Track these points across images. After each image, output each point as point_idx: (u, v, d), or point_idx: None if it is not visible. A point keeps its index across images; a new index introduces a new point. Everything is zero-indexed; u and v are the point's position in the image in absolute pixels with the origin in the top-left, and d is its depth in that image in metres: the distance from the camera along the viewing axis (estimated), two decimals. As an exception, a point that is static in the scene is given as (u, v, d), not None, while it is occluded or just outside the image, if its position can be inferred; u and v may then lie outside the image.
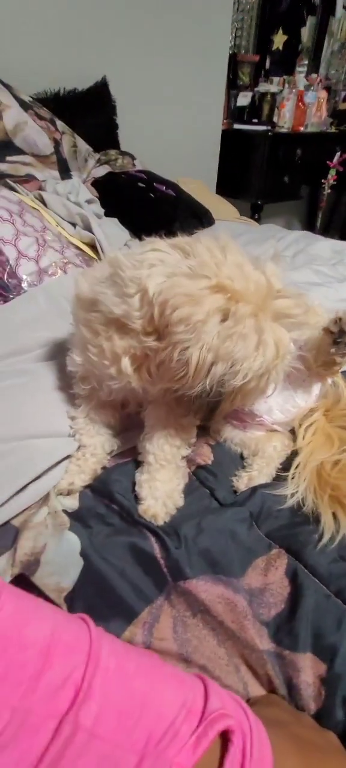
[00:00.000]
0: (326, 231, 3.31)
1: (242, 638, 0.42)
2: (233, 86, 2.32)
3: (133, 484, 0.56)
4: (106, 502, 0.55)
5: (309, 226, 3.22)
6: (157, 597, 0.45)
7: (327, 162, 2.55)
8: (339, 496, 0.50)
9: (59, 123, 1.40)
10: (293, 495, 0.53)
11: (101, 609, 0.44)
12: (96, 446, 0.60)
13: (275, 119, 2.29)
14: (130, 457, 0.61)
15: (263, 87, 2.30)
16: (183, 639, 0.42)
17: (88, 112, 1.62)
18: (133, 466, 0.59)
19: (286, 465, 0.60)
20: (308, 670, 0.39)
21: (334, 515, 0.50)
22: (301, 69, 2.38)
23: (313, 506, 0.52)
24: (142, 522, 0.51)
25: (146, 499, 0.52)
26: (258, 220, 2.27)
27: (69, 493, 0.54)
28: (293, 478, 0.55)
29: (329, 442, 0.56)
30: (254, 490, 0.55)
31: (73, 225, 1.11)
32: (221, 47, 2.07)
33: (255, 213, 2.44)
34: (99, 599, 0.44)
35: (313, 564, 0.47)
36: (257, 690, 0.41)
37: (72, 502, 0.55)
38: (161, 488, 0.52)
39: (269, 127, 2.19)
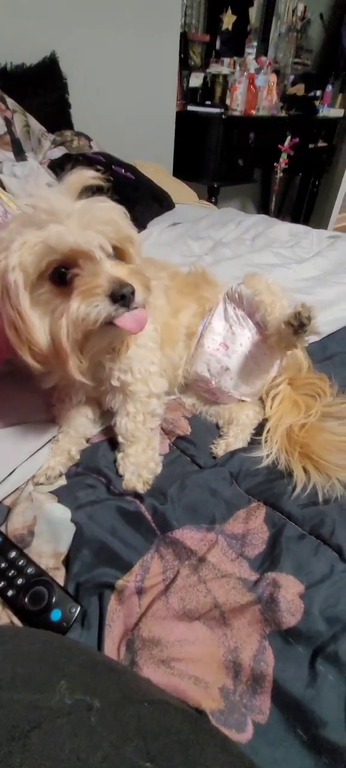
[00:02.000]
0: (279, 214, 3.50)
1: (221, 569, 0.49)
2: (184, 66, 2.36)
3: (117, 459, 0.62)
4: (94, 475, 0.60)
5: (263, 209, 3.38)
6: (148, 550, 0.51)
7: (279, 146, 2.69)
8: (308, 453, 0.59)
9: (10, 101, 1.37)
10: (268, 456, 0.61)
11: (96, 565, 0.49)
12: (69, 428, 0.64)
13: (227, 102, 2.36)
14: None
15: (214, 68, 2.36)
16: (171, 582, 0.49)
17: (37, 90, 1.59)
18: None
19: (259, 431, 0.68)
20: (288, 588, 0.47)
21: (304, 469, 0.59)
22: (250, 50, 2.47)
23: (286, 463, 0.60)
24: (127, 492, 0.57)
25: (124, 474, 0.59)
26: (215, 203, 2.35)
27: (48, 479, 0.58)
28: (266, 441, 0.63)
29: (297, 408, 0.65)
30: (232, 453, 0.63)
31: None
32: (173, 24, 2.10)
33: (212, 196, 2.52)
34: (94, 557, 0.50)
35: (289, 510, 0.55)
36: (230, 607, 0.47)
37: (60, 482, 0.59)
38: (135, 461, 0.59)
39: (223, 110, 2.26)
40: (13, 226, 0.47)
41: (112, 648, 0.45)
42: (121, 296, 0.46)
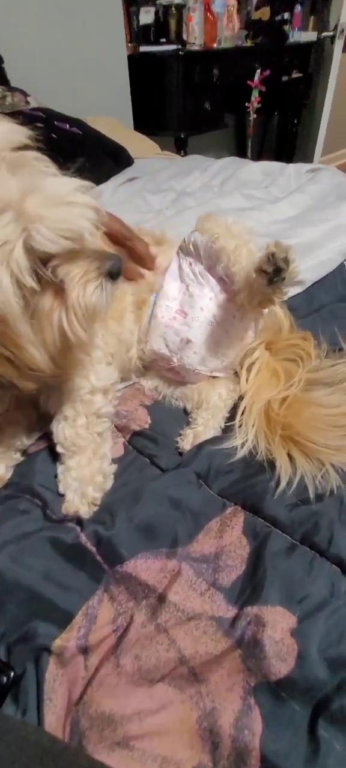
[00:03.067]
0: (259, 159, 3.31)
1: (187, 609, 0.38)
2: (131, 2, 2.12)
3: (59, 472, 0.50)
4: (28, 497, 0.49)
5: (240, 156, 3.18)
6: (94, 591, 0.40)
7: (248, 82, 2.49)
8: (291, 435, 0.48)
9: None
10: (243, 445, 0.49)
11: (26, 621, 0.39)
12: None
13: (184, 36, 2.14)
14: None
15: (165, -1, 2.13)
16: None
17: None
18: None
19: (234, 413, 0.56)
20: (276, 625, 0.37)
21: (289, 456, 0.47)
22: (205, -27, 2.23)
23: (266, 452, 0.49)
24: (68, 517, 0.45)
25: (65, 493, 0.47)
26: (184, 156, 2.17)
27: None
28: (240, 426, 0.51)
29: (275, 378, 0.53)
30: (199, 447, 0.51)
31: None
32: None
33: (180, 149, 2.33)
34: (23, 611, 0.39)
35: (273, 514, 0.45)
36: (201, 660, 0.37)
37: None
38: (78, 476, 0.47)
39: (179, 46, 2.04)
40: None
41: (56, 725, 0.35)
42: (118, 272, 0.43)
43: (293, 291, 0.76)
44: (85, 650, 0.38)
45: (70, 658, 0.37)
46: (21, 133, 0.40)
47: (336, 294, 0.78)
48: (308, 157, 3.30)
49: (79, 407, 0.49)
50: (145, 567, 0.41)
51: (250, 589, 0.40)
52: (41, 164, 0.39)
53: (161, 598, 0.39)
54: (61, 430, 0.49)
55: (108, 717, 0.35)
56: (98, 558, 0.42)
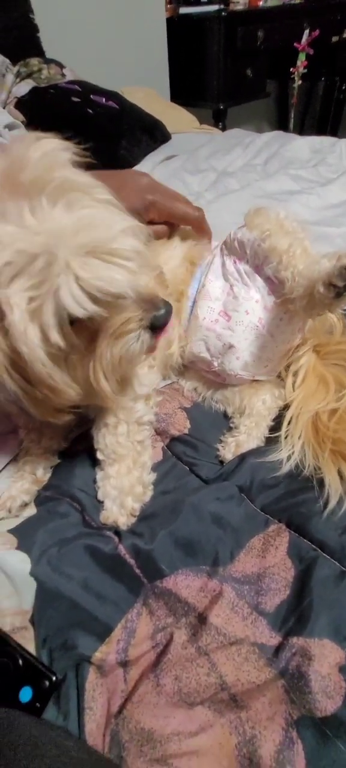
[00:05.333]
0: (301, 130, 3.13)
1: (229, 633, 0.38)
2: None
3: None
4: (67, 500, 0.49)
5: (281, 127, 3.03)
6: (133, 604, 0.40)
7: (295, 44, 2.34)
8: (343, 450, 0.45)
9: None
10: (288, 458, 0.48)
11: (67, 629, 0.39)
12: (34, 443, 0.53)
13: (227, -6, 2.03)
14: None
15: None
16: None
17: (-5, 13, 1.38)
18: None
19: (278, 421, 0.54)
20: (324, 659, 0.36)
21: (340, 474, 0.45)
22: None
23: (314, 467, 0.47)
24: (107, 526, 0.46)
25: (104, 502, 0.47)
26: (223, 129, 2.08)
27: (9, 512, 0.48)
28: (286, 437, 0.49)
29: (324, 387, 0.51)
30: (241, 459, 0.50)
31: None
32: None
33: (218, 121, 2.24)
34: (63, 620, 0.40)
35: (321, 538, 0.43)
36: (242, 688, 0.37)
37: (28, 512, 0.49)
38: (117, 485, 0.47)
39: (222, 6, 1.94)
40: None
41: (96, 734, 0.36)
42: (163, 324, 0.41)
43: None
44: (124, 664, 0.38)
45: (109, 670, 0.38)
46: (69, 150, 0.38)
47: None
48: (354, 130, 3.09)
49: (120, 414, 0.49)
50: (186, 584, 0.41)
51: (295, 617, 0.39)
52: (93, 190, 0.37)
53: (202, 619, 0.39)
54: (101, 437, 0.49)
55: (148, 734, 0.35)
56: (137, 571, 0.42)
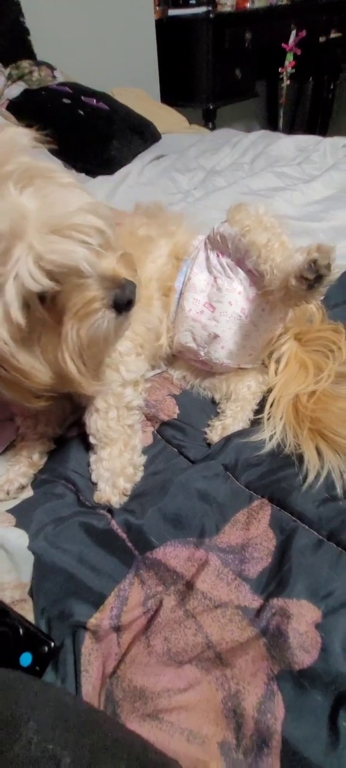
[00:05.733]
0: (291, 130, 3.17)
1: (214, 597, 0.41)
2: None
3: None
4: (63, 482, 0.52)
5: (271, 127, 3.06)
6: (125, 575, 0.43)
7: (282, 45, 2.37)
8: (320, 429, 0.48)
9: None
10: (271, 438, 0.51)
11: (63, 599, 0.42)
12: (30, 430, 0.55)
13: (215, -4, 2.06)
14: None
15: None
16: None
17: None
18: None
19: (262, 405, 0.57)
20: (301, 617, 0.39)
21: (317, 450, 0.48)
22: None
23: (294, 445, 0.50)
24: (100, 505, 0.49)
25: (98, 483, 0.50)
26: (213, 129, 2.11)
27: (7, 494, 0.51)
28: (269, 418, 0.52)
29: (304, 371, 0.54)
30: (227, 440, 0.53)
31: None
32: None
33: (208, 121, 2.27)
34: (59, 591, 0.43)
35: (300, 510, 0.46)
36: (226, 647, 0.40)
37: (25, 494, 0.52)
38: (110, 467, 0.50)
39: (210, 8, 1.97)
40: None
41: (92, 694, 0.39)
42: (128, 302, 0.41)
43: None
44: (117, 629, 0.41)
45: (103, 635, 0.41)
46: (28, 137, 0.39)
47: (372, 281, 0.76)
48: (344, 126, 3.13)
49: (110, 400, 0.51)
50: (174, 555, 0.43)
51: (276, 581, 0.41)
52: (54, 174, 0.38)
53: (189, 586, 0.41)
54: (93, 422, 0.52)
55: (140, 691, 0.38)
56: (129, 544, 0.45)
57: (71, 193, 0.38)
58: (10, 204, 0.35)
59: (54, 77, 1.44)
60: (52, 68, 1.46)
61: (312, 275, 0.45)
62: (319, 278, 0.46)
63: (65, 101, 1.31)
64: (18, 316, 0.35)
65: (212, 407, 0.62)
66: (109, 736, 0.32)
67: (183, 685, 0.38)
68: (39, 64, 1.44)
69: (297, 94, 3.18)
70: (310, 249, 0.45)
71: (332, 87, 3.08)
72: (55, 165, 0.41)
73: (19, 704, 0.30)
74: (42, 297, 0.37)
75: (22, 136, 0.40)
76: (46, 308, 0.38)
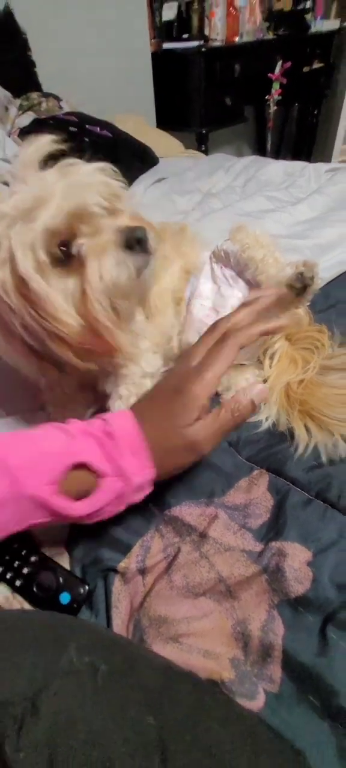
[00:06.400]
0: (278, 152, 3.33)
1: (223, 543, 0.49)
2: (154, -2, 2.20)
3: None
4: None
5: (260, 149, 3.23)
6: (148, 530, 0.51)
7: (269, 75, 2.54)
8: (307, 410, 0.58)
9: (-32, 69, 1.30)
10: (267, 419, 0.60)
11: (96, 549, 0.50)
12: (59, 416, 0.63)
13: (206, 32, 2.21)
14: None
15: (188, -6, 2.20)
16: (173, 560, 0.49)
17: (-4, 51, 1.51)
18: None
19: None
20: (295, 557, 0.47)
21: (306, 428, 0.58)
22: (227, -33, 2.28)
23: (287, 424, 0.59)
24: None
25: None
26: (205, 152, 2.25)
27: None
28: (266, 403, 0.61)
29: (293, 364, 0.63)
30: (231, 421, 0.62)
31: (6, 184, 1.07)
32: None
33: (201, 144, 2.41)
34: (93, 542, 0.51)
35: (293, 476, 0.55)
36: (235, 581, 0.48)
37: None
38: None
39: (202, 42, 2.12)
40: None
41: (121, 627, 0.46)
42: (137, 240, 0.44)
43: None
44: (142, 571, 0.49)
45: (131, 577, 0.48)
46: (47, 141, 0.49)
47: (352, 290, 0.87)
48: (327, 149, 3.31)
49: (131, 388, 0.60)
50: (189, 512, 0.52)
51: (273, 531, 0.50)
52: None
53: (202, 535, 0.50)
54: (117, 407, 0.60)
55: (163, 618, 0.45)
56: (150, 505, 0.53)
57: (88, 167, 0.47)
58: (38, 178, 0.45)
59: (61, 107, 1.55)
60: (58, 99, 1.57)
61: (299, 284, 0.56)
62: (305, 287, 0.56)
63: (72, 129, 1.42)
64: (41, 255, 0.42)
65: (216, 397, 0.71)
66: (138, 652, 0.39)
67: (199, 614, 0.46)
68: (47, 95, 1.55)
69: (284, 118, 3.35)
70: (298, 264, 0.55)
71: (316, 113, 3.26)
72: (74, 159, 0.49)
73: (62, 630, 0.36)
74: (67, 254, 0.44)
75: (53, 143, 0.49)
76: (70, 265, 0.44)
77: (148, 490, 0.45)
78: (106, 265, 0.43)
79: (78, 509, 0.42)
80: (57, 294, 0.44)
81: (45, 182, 0.45)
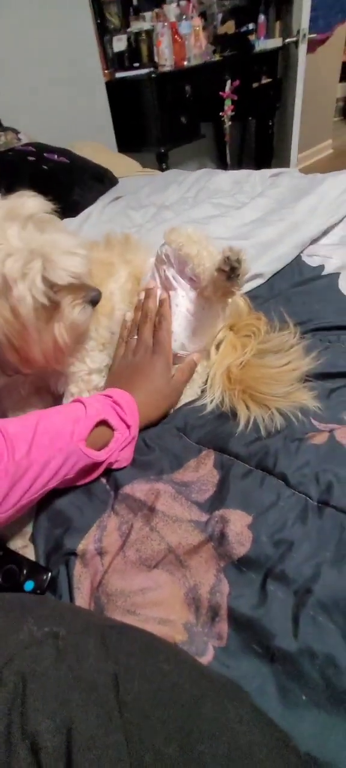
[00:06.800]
0: (240, 164, 3.46)
1: (171, 515, 0.53)
2: (104, 32, 2.29)
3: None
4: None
5: (221, 162, 3.34)
6: (104, 511, 0.55)
7: (220, 93, 2.65)
8: (246, 389, 0.63)
9: None
10: (211, 401, 0.64)
11: (57, 534, 0.53)
12: None
13: (156, 59, 2.31)
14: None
15: (135, 26, 2.30)
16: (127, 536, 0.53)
17: None
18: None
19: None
20: (237, 522, 0.51)
21: (246, 405, 0.62)
22: (171, -2, 2.40)
23: (229, 404, 0.64)
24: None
25: None
26: (166, 169, 2.32)
27: None
28: (210, 387, 0.66)
29: (234, 350, 0.68)
30: (178, 409, 0.66)
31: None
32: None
33: (162, 162, 2.50)
34: (55, 527, 0.54)
35: (236, 451, 0.59)
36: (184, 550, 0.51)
37: None
38: None
39: (152, 69, 2.22)
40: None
41: (83, 605, 0.48)
42: (96, 301, 0.61)
43: (255, 282, 0.92)
44: (100, 552, 0.51)
45: (90, 558, 0.51)
46: (46, 205, 0.58)
47: (293, 281, 0.93)
48: (285, 158, 3.46)
49: (81, 385, 0.64)
50: (139, 489, 0.55)
51: (218, 501, 0.54)
52: (56, 223, 0.57)
53: (151, 509, 0.53)
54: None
55: (120, 592, 0.48)
56: (107, 487, 0.57)
57: (69, 236, 0.57)
58: (32, 236, 0.53)
59: (19, 139, 1.60)
60: (16, 132, 1.62)
61: (227, 267, 0.61)
62: (233, 269, 0.61)
63: (30, 159, 1.46)
64: (42, 298, 0.52)
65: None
66: (96, 616, 0.43)
67: (153, 585, 0.49)
68: (5, 129, 1.60)
69: (241, 132, 3.48)
70: (224, 249, 0.61)
71: (271, 124, 3.41)
72: (55, 217, 0.58)
73: (21, 607, 0.38)
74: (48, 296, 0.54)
75: (44, 204, 0.58)
76: (50, 304, 0.55)
77: (134, 444, 0.60)
78: (75, 312, 0.58)
79: (101, 456, 0.55)
80: (35, 331, 0.55)
81: (41, 241, 0.53)
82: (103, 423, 0.56)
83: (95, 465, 0.56)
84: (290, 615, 0.44)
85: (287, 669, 0.42)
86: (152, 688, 0.33)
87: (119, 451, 0.58)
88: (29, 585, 0.50)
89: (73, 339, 0.59)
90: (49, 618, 0.36)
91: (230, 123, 2.91)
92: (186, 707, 0.32)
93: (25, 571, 0.51)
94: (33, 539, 0.54)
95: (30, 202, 0.55)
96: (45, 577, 0.50)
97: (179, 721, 0.31)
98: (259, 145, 3.56)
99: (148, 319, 0.68)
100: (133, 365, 0.66)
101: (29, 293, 0.51)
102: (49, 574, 0.50)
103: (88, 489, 0.57)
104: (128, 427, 0.58)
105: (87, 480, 0.57)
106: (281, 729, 0.36)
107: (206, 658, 0.45)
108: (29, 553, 0.53)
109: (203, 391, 0.69)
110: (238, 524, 0.51)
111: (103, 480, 0.57)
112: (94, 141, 2.04)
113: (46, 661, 0.32)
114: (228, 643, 0.45)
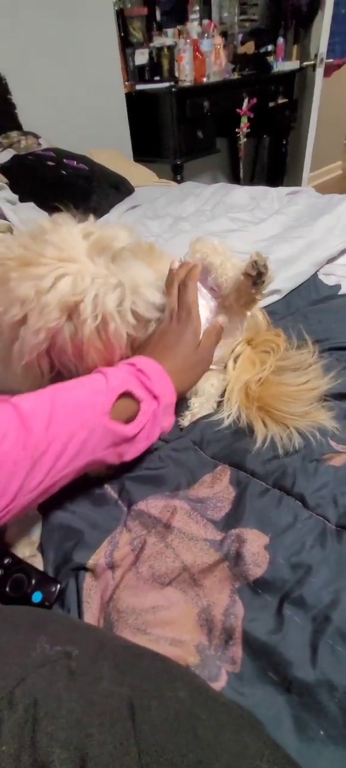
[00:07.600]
0: (252, 180, 3.47)
1: (187, 532, 0.51)
2: (127, 45, 2.32)
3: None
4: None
5: (234, 177, 3.36)
6: (116, 527, 0.53)
7: (237, 110, 2.67)
8: (264, 406, 0.61)
9: None
10: (228, 416, 0.62)
11: (67, 548, 0.51)
12: None
13: (176, 74, 2.33)
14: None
15: (158, 41, 2.32)
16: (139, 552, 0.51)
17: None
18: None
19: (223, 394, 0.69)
20: (254, 542, 0.49)
21: (263, 423, 0.60)
22: (194, 16, 2.43)
23: (246, 420, 0.62)
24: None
25: None
26: (181, 181, 2.33)
27: None
28: (227, 401, 0.64)
29: (252, 365, 0.67)
30: (195, 423, 0.64)
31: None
32: (105, 3, 2.06)
33: (177, 174, 2.50)
34: (66, 541, 0.52)
35: (252, 468, 0.57)
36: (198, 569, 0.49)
37: None
38: None
39: (172, 83, 2.23)
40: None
41: (92, 621, 0.47)
42: None
43: (272, 298, 0.90)
44: (111, 566, 0.50)
45: (101, 572, 0.49)
46: (133, 235, 0.59)
47: (309, 299, 0.92)
48: (297, 177, 3.46)
49: None
50: (154, 505, 0.53)
51: (233, 519, 0.52)
52: (129, 252, 0.57)
53: (166, 526, 0.51)
54: None
55: (131, 609, 0.46)
56: (120, 503, 0.55)
57: (148, 270, 0.59)
58: (121, 269, 0.54)
59: (39, 144, 1.61)
60: (37, 137, 1.63)
61: (254, 272, 0.61)
62: (259, 275, 0.60)
63: (50, 164, 1.47)
64: (133, 322, 0.55)
65: (184, 401, 0.74)
66: (108, 635, 0.41)
67: (166, 604, 0.47)
68: (26, 133, 1.60)
69: (255, 149, 3.50)
70: (252, 254, 0.61)
71: (285, 143, 3.42)
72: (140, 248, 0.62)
73: (33, 624, 0.36)
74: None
75: (131, 234, 0.58)
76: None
77: (172, 417, 0.57)
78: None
79: (129, 430, 0.50)
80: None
81: (127, 273, 0.54)
82: (128, 395, 0.51)
83: (125, 441, 0.51)
84: (307, 642, 0.42)
85: (304, 700, 0.40)
86: (169, 716, 0.31)
87: (153, 422, 0.53)
88: (37, 596, 0.48)
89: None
90: (61, 636, 0.34)
91: (245, 140, 2.92)
92: (204, 740, 0.30)
93: (33, 581, 0.49)
94: (42, 549, 0.52)
95: (122, 235, 0.55)
96: (54, 588, 0.48)
97: (198, 754, 0.29)
98: (271, 162, 3.57)
99: (175, 284, 0.63)
100: (158, 333, 0.60)
101: (124, 330, 0.52)
102: (58, 585, 0.48)
103: (99, 504, 0.55)
104: (155, 398, 0.53)
105: (118, 461, 0.52)
106: (300, 766, 0.33)
107: (219, 684, 0.42)
108: (37, 563, 0.51)
109: (219, 404, 0.68)
110: (254, 544, 0.49)
111: (115, 495, 0.55)
112: (111, 147, 2.05)
113: (59, 683, 0.30)
114: (242, 669, 0.43)
